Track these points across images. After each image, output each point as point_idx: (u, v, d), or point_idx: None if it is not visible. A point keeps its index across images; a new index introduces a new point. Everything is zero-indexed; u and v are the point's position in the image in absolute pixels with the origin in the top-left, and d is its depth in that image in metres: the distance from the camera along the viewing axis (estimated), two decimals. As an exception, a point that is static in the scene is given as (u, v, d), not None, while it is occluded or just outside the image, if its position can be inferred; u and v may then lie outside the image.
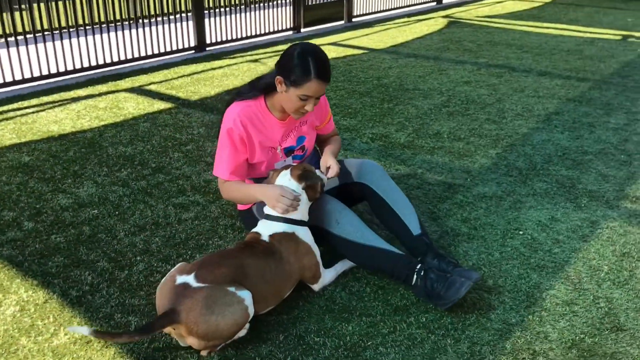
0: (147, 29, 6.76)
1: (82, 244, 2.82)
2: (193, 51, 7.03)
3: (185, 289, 2.08)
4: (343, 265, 2.63)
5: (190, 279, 2.10)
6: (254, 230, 2.42)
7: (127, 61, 6.35)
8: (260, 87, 2.58)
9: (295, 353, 2.16)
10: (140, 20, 6.66)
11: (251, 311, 2.13)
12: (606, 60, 6.80)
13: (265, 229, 2.40)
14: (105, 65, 6.15)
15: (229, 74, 6.01)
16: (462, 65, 6.46)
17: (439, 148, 4.09)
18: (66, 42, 6.04)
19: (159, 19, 6.96)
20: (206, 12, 7.25)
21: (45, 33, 5.79)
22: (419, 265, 2.45)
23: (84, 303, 2.39)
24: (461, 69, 6.27)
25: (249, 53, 7.01)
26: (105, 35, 6.27)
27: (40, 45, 5.82)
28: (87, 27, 6.17)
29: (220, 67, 6.27)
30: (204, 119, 4.61)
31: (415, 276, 2.44)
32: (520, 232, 3.00)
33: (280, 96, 2.51)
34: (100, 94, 5.26)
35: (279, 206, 2.37)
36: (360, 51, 7.11)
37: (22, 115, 4.67)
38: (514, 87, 5.61)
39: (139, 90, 5.39)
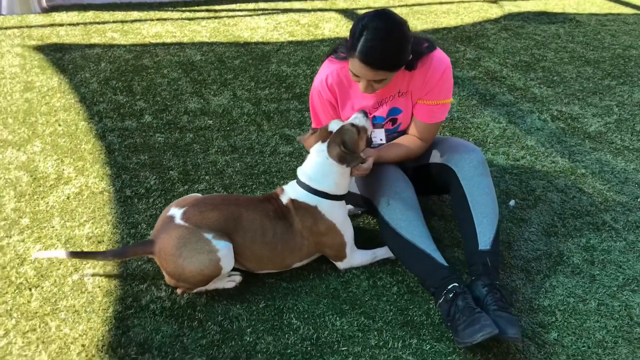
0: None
1: (173, 149, 2.90)
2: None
3: (169, 222, 1.99)
4: (384, 253, 2.25)
5: (177, 214, 2.00)
6: (283, 186, 2.19)
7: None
8: None
9: (259, 326, 1.95)
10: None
11: (226, 264, 1.96)
12: None
13: (291, 190, 2.14)
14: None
15: (453, 11, 5.46)
16: None
17: (633, 150, 3.18)
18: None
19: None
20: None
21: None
22: (453, 284, 1.97)
23: (127, 205, 2.48)
24: None
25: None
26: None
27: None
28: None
29: (462, 2, 5.74)
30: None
31: (443, 296, 1.97)
32: (652, 289, 2.21)
33: None
34: (312, 10, 5.25)
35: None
36: (631, 10, 5.82)
37: (231, 17, 4.93)
38: None
39: (351, 14, 5.24)
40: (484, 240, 2.09)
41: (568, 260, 2.34)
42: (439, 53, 2.17)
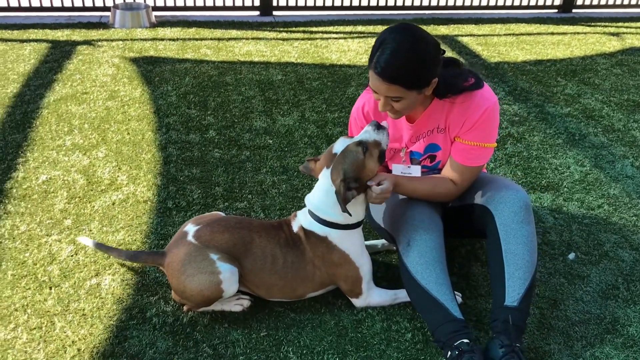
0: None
1: (226, 165, 2.92)
2: (556, 10, 6.17)
3: (182, 237, 1.99)
4: (407, 296, 2.08)
5: (191, 231, 1.99)
6: (297, 212, 2.09)
7: (476, 7, 5.99)
8: None
9: (253, 355, 1.87)
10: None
11: (227, 288, 1.91)
12: None
13: (302, 217, 2.04)
14: (447, 7, 5.93)
15: (564, 42, 5.09)
16: None
17: None
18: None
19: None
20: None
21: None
22: (461, 341, 1.78)
23: (165, 216, 2.52)
24: None
25: (616, 24, 5.76)
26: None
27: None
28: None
29: (576, 33, 5.36)
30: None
31: (449, 352, 1.79)
32: None
33: None
34: (408, 35, 5.13)
35: None
36: None
37: (325, 39, 4.94)
38: None
39: (449, 39, 5.06)
40: (512, 296, 1.87)
41: (622, 329, 2.03)
42: (484, 91, 2.00)
